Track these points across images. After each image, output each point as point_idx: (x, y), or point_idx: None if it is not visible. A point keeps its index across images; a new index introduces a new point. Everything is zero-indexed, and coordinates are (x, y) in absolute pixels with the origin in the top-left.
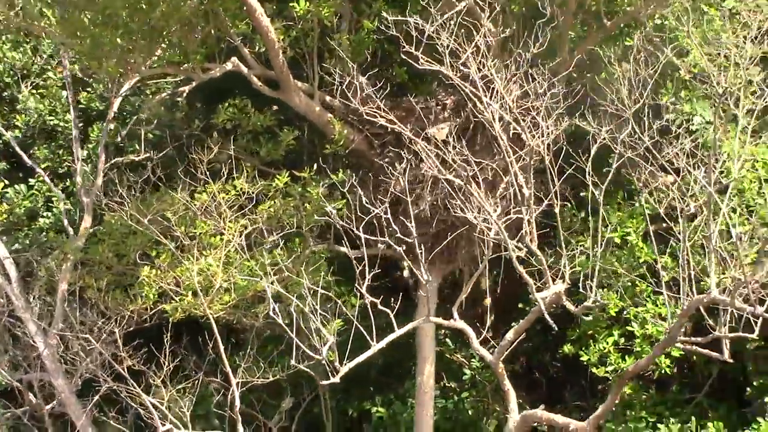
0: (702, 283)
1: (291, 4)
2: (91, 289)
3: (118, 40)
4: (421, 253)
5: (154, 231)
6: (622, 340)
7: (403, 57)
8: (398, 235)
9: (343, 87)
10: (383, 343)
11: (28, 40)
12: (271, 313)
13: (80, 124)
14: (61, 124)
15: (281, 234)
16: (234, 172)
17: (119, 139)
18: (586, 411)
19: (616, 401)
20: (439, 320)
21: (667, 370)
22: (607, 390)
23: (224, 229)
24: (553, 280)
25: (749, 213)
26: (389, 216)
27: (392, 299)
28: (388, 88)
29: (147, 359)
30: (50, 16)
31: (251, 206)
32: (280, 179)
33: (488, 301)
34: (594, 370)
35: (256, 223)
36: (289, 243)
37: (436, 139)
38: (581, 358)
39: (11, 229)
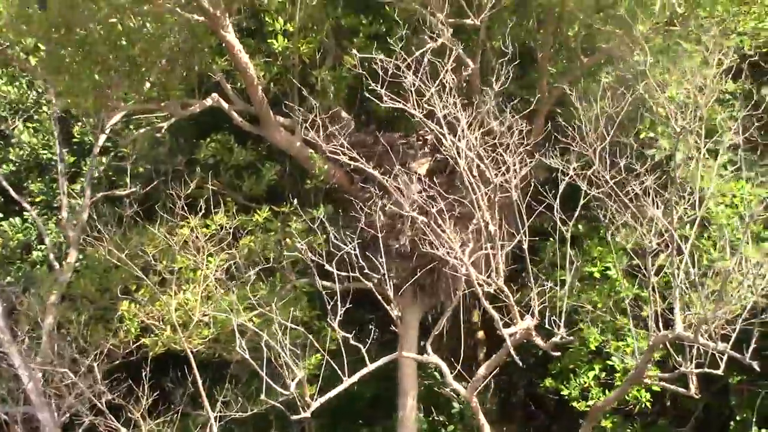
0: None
1: (269, 41)
2: (73, 323)
3: (96, 76)
4: (392, 287)
5: (132, 266)
6: (603, 374)
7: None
8: (370, 269)
9: (324, 122)
10: (354, 378)
11: (24, 74)
12: (237, 348)
13: (73, 158)
14: (54, 157)
15: (262, 268)
16: (217, 206)
17: (110, 172)
18: None
19: None
20: (412, 355)
21: (648, 404)
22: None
23: (203, 264)
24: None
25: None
26: (358, 252)
27: (380, 332)
28: (373, 123)
29: (129, 393)
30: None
31: (232, 241)
32: (260, 214)
33: (481, 334)
34: (575, 404)
35: (236, 257)
36: (271, 277)
37: (417, 173)
38: (562, 393)
39: (4, 262)
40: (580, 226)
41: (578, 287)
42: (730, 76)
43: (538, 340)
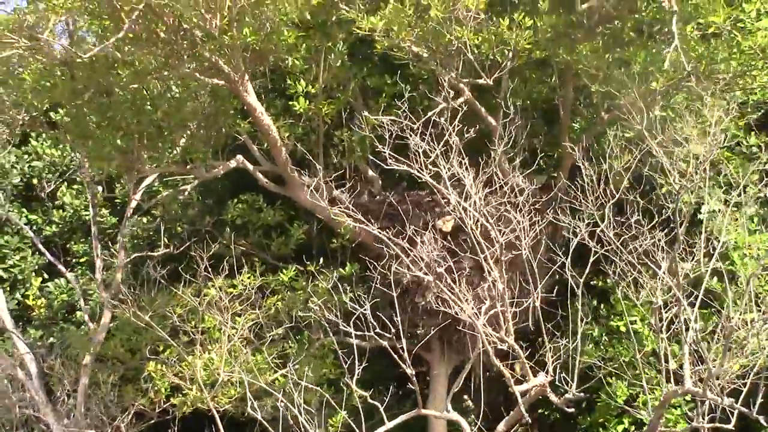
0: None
1: (291, 103)
2: (103, 384)
3: (119, 141)
4: (417, 343)
5: (155, 327)
6: (633, 428)
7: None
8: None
9: (351, 182)
10: None
11: None
12: (249, 409)
13: (115, 218)
14: (98, 218)
15: (289, 326)
16: (245, 266)
17: (151, 233)
18: None
19: None
20: (432, 412)
21: None
22: None
23: (227, 324)
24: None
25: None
26: (385, 309)
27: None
28: (403, 182)
29: None
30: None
31: (259, 300)
32: (285, 274)
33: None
34: None
35: (264, 316)
36: (299, 336)
37: (441, 231)
38: None
39: (47, 323)
40: (608, 281)
41: (605, 341)
42: (753, 129)
43: (553, 397)
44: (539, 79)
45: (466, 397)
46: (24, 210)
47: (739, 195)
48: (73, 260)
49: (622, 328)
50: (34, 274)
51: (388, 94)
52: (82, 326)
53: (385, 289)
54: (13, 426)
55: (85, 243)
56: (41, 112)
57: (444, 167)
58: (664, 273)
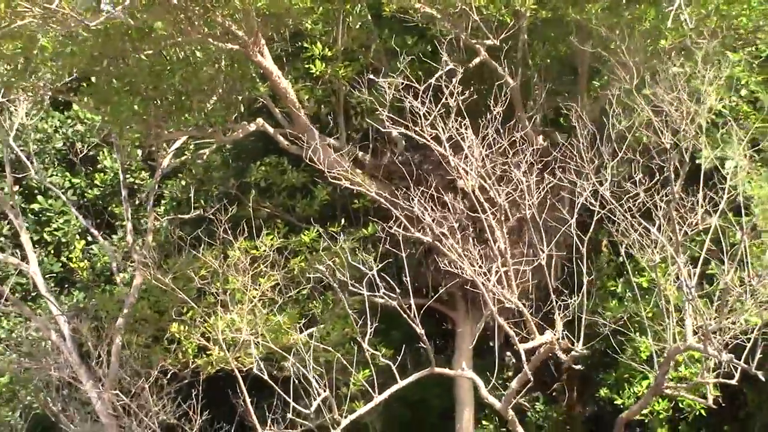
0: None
1: (307, 66)
2: (133, 345)
3: (135, 107)
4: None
5: (176, 289)
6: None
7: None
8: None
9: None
10: (384, 395)
11: None
12: (255, 370)
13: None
14: (137, 181)
15: (311, 286)
16: (269, 227)
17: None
18: None
19: None
20: (445, 370)
21: (702, 412)
22: None
23: (249, 285)
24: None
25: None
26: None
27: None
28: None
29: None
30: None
31: (282, 261)
32: (307, 235)
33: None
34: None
35: (286, 277)
36: (323, 296)
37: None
38: (615, 402)
39: (91, 285)
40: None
41: (629, 297)
42: None
43: (560, 354)
44: (558, 39)
45: (508, 353)
46: (67, 174)
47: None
48: (116, 222)
49: (645, 284)
50: (78, 236)
51: (409, 54)
52: (117, 288)
53: (396, 251)
54: (51, 386)
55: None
56: (62, 79)
57: (444, 128)
58: (659, 230)
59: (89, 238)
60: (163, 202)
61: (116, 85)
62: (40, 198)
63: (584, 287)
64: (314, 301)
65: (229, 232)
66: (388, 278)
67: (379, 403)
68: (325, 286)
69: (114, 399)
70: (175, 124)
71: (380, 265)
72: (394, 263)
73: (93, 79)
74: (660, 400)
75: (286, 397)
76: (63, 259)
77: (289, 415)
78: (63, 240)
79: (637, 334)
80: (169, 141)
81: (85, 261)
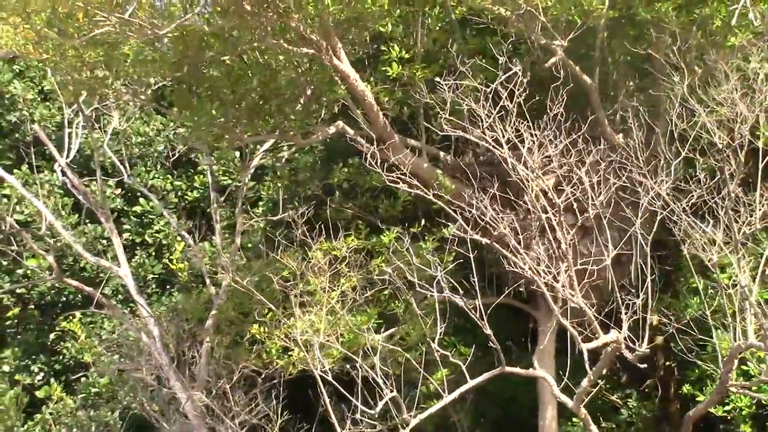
0: None
1: (383, 69)
2: (218, 346)
3: (214, 111)
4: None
5: (254, 291)
6: (741, 378)
7: None
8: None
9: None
10: (454, 395)
11: None
12: (326, 368)
13: (253, 182)
14: (236, 183)
15: (394, 287)
16: (351, 229)
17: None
18: None
19: None
20: (516, 369)
21: None
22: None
23: (327, 287)
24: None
25: None
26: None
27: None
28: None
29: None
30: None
31: (364, 262)
32: (387, 236)
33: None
34: (711, 409)
35: (366, 278)
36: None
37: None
38: (698, 399)
39: (190, 286)
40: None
41: (711, 293)
42: None
43: (626, 353)
44: (635, 38)
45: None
46: (169, 176)
47: None
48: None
49: (726, 281)
50: (179, 238)
51: (487, 56)
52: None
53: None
54: (146, 387)
55: (224, 207)
56: (145, 86)
57: (507, 130)
58: (713, 229)
59: (190, 240)
60: (260, 203)
61: (197, 90)
62: (141, 200)
63: (647, 286)
64: (395, 302)
65: (315, 233)
66: (467, 278)
67: (467, 402)
68: (406, 286)
69: (202, 399)
70: (253, 128)
71: (449, 266)
72: (477, 262)
73: (176, 85)
74: (742, 397)
75: (352, 398)
76: (165, 260)
77: (358, 415)
78: (164, 242)
79: (719, 330)
80: (259, 142)
81: (185, 263)
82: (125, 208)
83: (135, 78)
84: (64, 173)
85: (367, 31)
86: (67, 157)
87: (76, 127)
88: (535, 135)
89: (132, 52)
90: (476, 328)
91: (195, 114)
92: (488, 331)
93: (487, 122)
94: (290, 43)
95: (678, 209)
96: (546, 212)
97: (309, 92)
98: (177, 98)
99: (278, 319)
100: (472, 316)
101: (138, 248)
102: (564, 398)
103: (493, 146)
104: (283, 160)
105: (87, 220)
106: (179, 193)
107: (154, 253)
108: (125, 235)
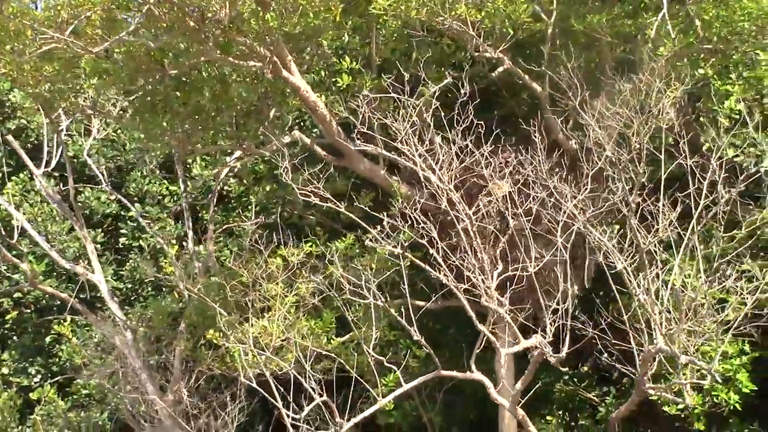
0: None
1: (334, 79)
2: (186, 350)
3: (164, 123)
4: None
5: (205, 298)
6: (697, 374)
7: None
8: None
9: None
10: (387, 399)
11: None
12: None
13: (241, 188)
14: (226, 188)
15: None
16: (313, 234)
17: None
18: None
19: None
20: (452, 373)
21: (737, 405)
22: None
23: (281, 293)
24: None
25: None
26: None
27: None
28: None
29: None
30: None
31: (322, 268)
32: (343, 242)
33: None
34: (665, 408)
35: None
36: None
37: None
38: (651, 398)
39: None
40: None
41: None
42: None
43: (550, 358)
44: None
45: None
46: (165, 182)
47: None
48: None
49: (676, 282)
50: (174, 242)
51: (446, 64)
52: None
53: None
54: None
55: (216, 212)
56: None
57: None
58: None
59: (184, 244)
60: (249, 207)
61: (150, 102)
62: (137, 205)
63: (569, 292)
64: (353, 306)
65: (278, 239)
66: (428, 282)
67: (438, 402)
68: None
69: (175, 402)
70: (205, 139)
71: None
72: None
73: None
74: (695, 396)
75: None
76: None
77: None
78: (158, 247)
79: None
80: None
81: (172, 267)
82: (122, 213)
83: (94, 92)
84: (41, 181)
85: (318, 44)
86: (47, 165)
87: (58, 136)
88: (452, 145)
89: (89, 67)
90: (438, 332)
91: (146, 126)
92: (418, 336)
93: (401, 136)
94: (237, 57)
95: (582, 219)
96: (458, 221)
97: (261, 104)
98: (134, 110)
99: (235, 324)
100: (399, 319)
101: (134, 253)
102: (501, 400)
103: (410, 159)
104: (237, 169)
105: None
106: (175, 198)
107: (149, 257)
108: (122, 240)
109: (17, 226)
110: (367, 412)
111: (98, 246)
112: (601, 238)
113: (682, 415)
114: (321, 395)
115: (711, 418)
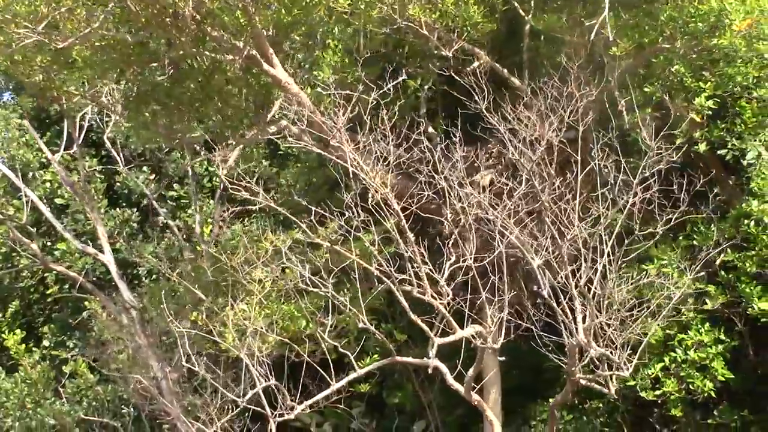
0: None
1: (315, 72)
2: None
3: (146, 114)
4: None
5: (187, 285)
6: (673, 365)
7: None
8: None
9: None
10: (342, 383)
11: None
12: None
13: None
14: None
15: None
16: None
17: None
18: None
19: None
20: (407, 359)
21: (711, 393)
22: (661, 415)
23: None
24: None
25: None
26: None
27: None
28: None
29: None
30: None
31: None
32: (326, 229)
33: None
34: (643, 394)
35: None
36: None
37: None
38: (628, 383)
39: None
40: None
41: (642, 285)
42: None
43: (489, 347)
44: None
45: None
46: (205, 162)
47: None
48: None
49: (653, 272)
50: (210, 221)
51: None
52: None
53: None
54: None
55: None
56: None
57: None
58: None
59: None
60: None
61: (136, 93)
62: (176, 186)
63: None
64: (343, 290)
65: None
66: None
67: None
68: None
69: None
70: (190, 129)
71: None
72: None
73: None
74: (670, 382)
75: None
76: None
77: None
78: (193, 226)
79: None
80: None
81: (201, 246)
82: (162, 192)
83: (87, 82)
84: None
85: (303, 36)
86: (67, 149)
87: (81, 120)
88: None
89: (80, 58)
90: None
91: (132, 116)
92: (367, 324)
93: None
94: (215, 51)
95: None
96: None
97: (245, 94)
98: (124, 101)
99: (221, 306)
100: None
101: (170, 232)
102: (457, 386)
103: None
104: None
105: (124, 204)
106: (214, 179)
107: (185, 236)
108: (160, 218)
109: (50, 208)
110: (319, 396)
111: (134, 225)
112: (513, 238)
113: (659, 402)
114: (267, 379)
115: (703, 407)
